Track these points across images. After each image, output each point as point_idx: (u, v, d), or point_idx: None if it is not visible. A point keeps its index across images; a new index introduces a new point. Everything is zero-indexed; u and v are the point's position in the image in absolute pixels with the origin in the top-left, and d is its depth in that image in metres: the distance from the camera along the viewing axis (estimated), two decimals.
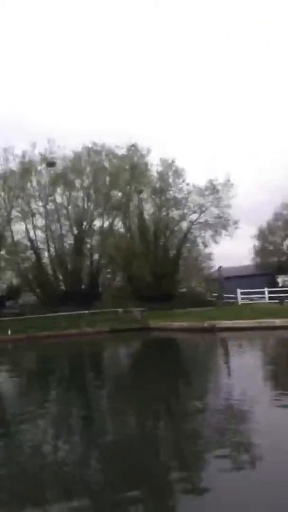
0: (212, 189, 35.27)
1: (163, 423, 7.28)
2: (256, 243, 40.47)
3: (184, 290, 35.26)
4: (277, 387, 9.24)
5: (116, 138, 60.05)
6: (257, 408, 7.14)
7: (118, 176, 34.66)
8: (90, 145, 35.38)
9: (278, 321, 21.85)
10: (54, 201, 34.15)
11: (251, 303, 29.10)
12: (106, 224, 34.94)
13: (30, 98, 65.20)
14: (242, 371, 11.49)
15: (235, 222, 34.94)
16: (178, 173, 36.04)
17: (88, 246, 34.23)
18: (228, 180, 34.86)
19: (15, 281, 33.75)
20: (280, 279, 40.71)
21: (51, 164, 34.03)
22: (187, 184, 35.65)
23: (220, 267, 31.14)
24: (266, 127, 76.88)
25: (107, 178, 34.72)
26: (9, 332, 23.78)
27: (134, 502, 4.18)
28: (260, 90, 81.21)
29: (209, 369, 12.84)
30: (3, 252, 32.40)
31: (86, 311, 27.46)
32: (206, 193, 35.57)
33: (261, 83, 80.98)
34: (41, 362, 16.96)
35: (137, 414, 7.82)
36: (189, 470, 4.92)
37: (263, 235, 40.38)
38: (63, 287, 32.99)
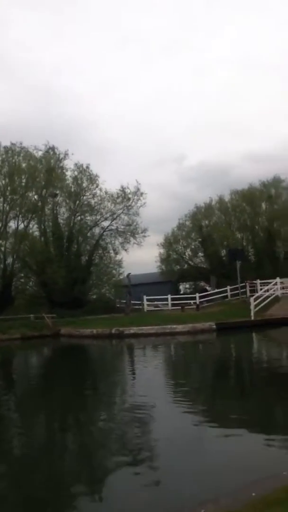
0: (123, 196, 37.10)
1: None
2: (162, 251, 42.94)
3: (94, 296, 36.67)
4: (173, 387, 11.14)
5: (33, 139, 59.84)
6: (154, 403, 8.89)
7: (34, 178, 35.03)
8: (8, 145, 35.15)
9: (179, 327, 24.43)
10: None
11: (156, 310, 31.35)
12: (21, 226, 35.04)
13: None
14: (143, 374, 13.39)
15: (144, 230, 37.13)
16: (92, 179, 37.33)
17: (2, 249, 33.97)
18: (138, 189, 37.01)
19: None
20: (181, 287, 43.95)
21: None
22: (100, 190, 37.11)
23: (129, 274, 32.81)
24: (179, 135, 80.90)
25: (24, 180, 34.85)
26: None
27: None
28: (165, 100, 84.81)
29: (114, 377, 13.90)
30: None
31: None
32: (118, 200, 37.25)
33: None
34: None
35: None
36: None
37: (168, 243, 42.96)
38: None
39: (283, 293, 28.74)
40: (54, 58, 77.94)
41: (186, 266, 42.58)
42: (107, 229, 37.33)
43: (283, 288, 28.63)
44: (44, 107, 71.63)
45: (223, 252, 40.07)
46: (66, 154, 36.99)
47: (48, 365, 18.35)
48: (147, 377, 12.84)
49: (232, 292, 32.02)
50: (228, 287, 32.21)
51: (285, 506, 4.23)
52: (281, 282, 24.81)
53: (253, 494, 4.78)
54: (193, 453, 6.46)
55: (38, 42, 78.97)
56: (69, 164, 37.32)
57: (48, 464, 6.43)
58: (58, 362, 18.87)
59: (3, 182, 34.44)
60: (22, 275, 35.88)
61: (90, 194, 37.21)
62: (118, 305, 33.64)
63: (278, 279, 27.34)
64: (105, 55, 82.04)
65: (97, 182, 36.94)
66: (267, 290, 27.88)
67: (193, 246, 43.16)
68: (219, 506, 4.64)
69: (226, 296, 32.21)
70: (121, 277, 35.23)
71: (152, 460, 6.19)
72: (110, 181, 48.19)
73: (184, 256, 43.25)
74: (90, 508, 4.93)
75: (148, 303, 31.31)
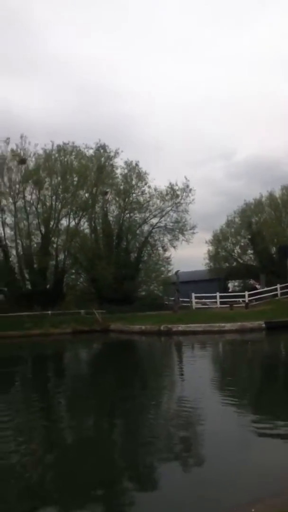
0: (172, 193, 37.25)
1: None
2: (210, 248, 42.61)
3: (143, 293, 37.09)
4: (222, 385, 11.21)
5: (84, 138, 61.29)
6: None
7: (85, 177, 35.85)
8: (60, 144, 36.24)
9: (227, 325, 24.27)
10: (23, 198, 34.65)
11: (204, 307, 31.28)
12: (72, 224, 35.98)
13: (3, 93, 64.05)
14: (192, 372, 13.55)
15: (192, 227, 37.24)
16: (141, 176, 37.78)
17: (54, 245, 34.98)
18: (187, 185, 37.03)
19: None
20: (230, 284, 43.35)
21: (22, 161, 34.52)
22: (149, 187, 37.54)
23: (177, 272, 32.91)
24: (223, 134, 79.71)
25: (75, 178, 35.77)
26: None
27: None
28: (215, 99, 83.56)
29: (163, 373, 14.25)
30: None
31: (50, 312, 28.60)
32: (167, 197, 37.53)
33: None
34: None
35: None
36: None
37: (217, 240, 42.59)
38: (29, 287, 33.54)
39: None
40: (102, 55, 79.06)
41: (235, 263, 42.02)
42: (155, 226, 37.69)
43: None
44: (94, 105, 72.86)
45: (273, 250, 39.22)
46: (116, 152, 37.61)
47: (99, 360, 18.86)
48: (196, 376, 12.96)
49: (283, 291, 31.33)
50: (278, 285, 31.53)
51: None
52: None
53: None
54: (240, 454, 6.55)
55: (80, 40, 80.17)
56: (119, 162, 37.95)
57: (97, 456, 6.62)
58: (109, 357, 19.32)
59: (56, 181, 35.58)
60: (73, 271, 36.93)
61: (139, 192, 37.74)
62: (166, 302, 33.85)
63: None
64: (153, 54, 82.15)
65: (146, 179, 37.40)
66: None
67: (242, 243, 42.53)
68: (268, 506, 4.73)
69: (276, 295, 31.53)
70: (169, 274, 35.41)
71: (199, 459, 6.36)
72: (158, 179, 48.63)
73: (233, 254, 42.72)
74: (141, 501, 5.17)
75: (196, 300, 31.29)
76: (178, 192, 37.02)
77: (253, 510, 4.67)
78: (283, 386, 11.79)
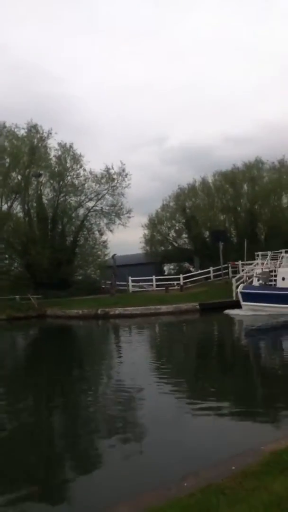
0: (108, 177, 36.88)
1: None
2: (146, 232, 43.01)
3: (80, 277, 36.81)
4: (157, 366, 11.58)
5: (16, 116, 58.67)
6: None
7: (18, 158, 34.54)
8: None
9: (163, 307, 24.93)
10: None
11: (140, 291, 31.72)
12: (5, 207, 34.61)
13: None
14: (129, 354, 13.87)
15: (128, 211, 37.06)
16: (76, 159, 36.95)
17: None
18: (123, 169, 36.87)
19: None
20: (166, 268, 44.21)
21: None
22: (84, 170, 36.76)
23: (114, 255, 32.97)
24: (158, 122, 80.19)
25: (7, 159, 34.32)
26: None
27: None
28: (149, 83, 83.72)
29: (100, 358, 14.39)
30: None
31: None
32: (103, 180, 37.03)
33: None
34: None
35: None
36: None
37: (152, 224, 43.01)
38: None
39: None
40: (34, 37, 75.64)
41: (170, 247, 42.81)
42: (91, 210, 37.21)
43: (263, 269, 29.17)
44: (27, 86, 69.71)
45: (207, 234, 40.39)
46: (49, 133, 36.36)
47: (34, 347, 18.61)
48: (133, 357, 13.24)
49: (215, 273, 32.51)
50: (211, 268, 32.68)
51: (262, 479, 4.64)
52: (262, 263, 25.26)
53: (233, 467, 5.19)
54: (175, 428, 6.89)
55: (16, 22, 76.27)
56: (52, 143, 36.85)
57: (40, 439, 6.79)
58: (45, 343, 19.14)
59: None
60: (7, 256, 35.69)
61: (74, 174, 36.92)
62: (103, 286, 33.88)
63: (259, 259, 27.59)
64: (84, 35, 79.96)
65: (81, 162, 36.65)
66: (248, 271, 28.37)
67: (177, 227, 43.36)
68: (200, 479, 5.03)
69: (209, 277, 32.71)
70: (106, 258, 35.37)
71: (135, 434, 6.61)
72: (93, 162, 47.87)
73: (168, 237, 43.45)
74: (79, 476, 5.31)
75: (133, 284, 31.61)
76: (114, 176, 36.75)
77: (185, 483, 4.95)
78: (215, 363, 12.45)
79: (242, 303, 23.21)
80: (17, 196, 35.10)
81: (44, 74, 70.97)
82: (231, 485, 4.61)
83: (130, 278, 31.55)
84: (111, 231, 36.85)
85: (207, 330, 20.03)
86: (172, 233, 43.43)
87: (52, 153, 36.99)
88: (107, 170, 36.61)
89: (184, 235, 42.99)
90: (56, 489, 5.18)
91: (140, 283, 32.70)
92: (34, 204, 36.44)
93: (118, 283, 31.52)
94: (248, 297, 23.20)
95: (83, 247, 36.96)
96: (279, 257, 25.03)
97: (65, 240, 36.43)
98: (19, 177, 35.42)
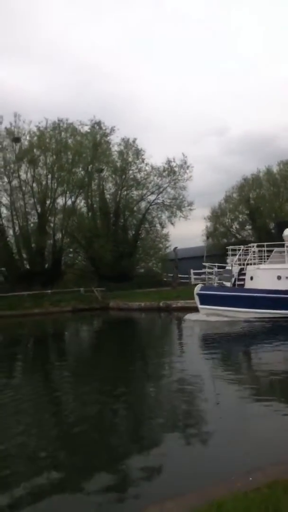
0: (170, 170, 36.93)
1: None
2: (209, 224, 42.39)
3: (142, 270, 37.09)
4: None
5: (80, 114, 60.23)
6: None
7: (80, 154, 35.29)
8: (55, 121, 35.25)
9: None
10: (18, 177, 33.93)
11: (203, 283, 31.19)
12: (69, 202, 35.54)
13: None
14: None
15: (190, 204, 37.04)
16: (138, 153, 37.32)
17: (52, 225, 34.68)
18: (185, 162, 36.67)
19: None
20: (229, 260, 43.25)
21: (16, 139, 33.77)
22: (146, 165, 37.11)
23: (175, 248, 32.83)
24: (223, 109, 78.41)
25: (70, 156, 35.11)
26: None
27: None
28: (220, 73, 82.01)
29: (163, 351, 14.37)
30: None
31: (50, 291, 28.52)
32: (164, 174, 37.21)
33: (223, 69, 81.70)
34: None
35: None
36: None
37: (215, 216, 42.36)
38: (27, 266, 33.26)
39: None
40: (91, 35, 76.91)
41: (233, 239, 41.86)
42: (153, 203, 37.48)
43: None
44: (88, 86, 71.17)
45: (272, 225, 39.02)
46: (112, 129, 36.99)
47: (99, 339, 18.93)
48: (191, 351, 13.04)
49: None
50: None
51: None
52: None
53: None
54: (241, 420, 6.62)
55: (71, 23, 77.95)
56: (115, 139, 37.42)
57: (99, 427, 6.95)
58: (109, 335, 19.38)
59: (51, 159, 34.93)
60: (71, 250, 36.79)
61: (136, 169, 37.39)
62: (165, 279, 33.88)
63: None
64: (142, 31, 79.87)
65: (143, 156, 36.95)
66: None
67: (240, 219, 42.29)
68: (267, 474, 4.77)
69: None
70: (167, 251, 35.36)
71: (200, 426, 6.42)
72: (155, 157, 47.93)
73: (231, 229, 42.53)
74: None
75: (195, 276, 31.27)
76: (176, 169, 36.78)
77: (250, 478, 4.72)
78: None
79: (199, 306, 20.24)
80: (80, 191, 35.98)
81: (104, 74, 72.05)
82: None
83: (192, 271, 31.26)
84: (172, 224, 36.93)
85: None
86: (236, 225, 42.45)
87: (115, 148, 37.68)
88: (169, 163, 36.69)
89: (248, 227, 41.90)
90: (122, 479, 5.19)
91: (203, 276, 32.24)
92: (97, 199, 37.24)
93: (180, 276, 31.36)
94: (205, 299, 20.17)
95: (144, 240, 37.22)
96: (250, 251, 21.59)
97: (127, 233, 36.93)
98: (83, 172, 36.28)
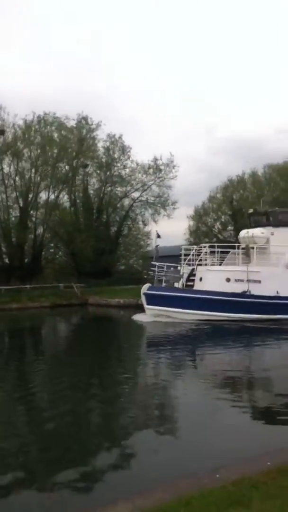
0: (155, 167, 36.91)
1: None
2: (191, 223, 42.59)
3: (122, 267, 36.99)
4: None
5: (65, 109, 59.56)
6: None
7: (66, 149, 34.99)
8: (41, 114, 34.68)
9: None
10: (1, 170, 33.48)
11: None
12: (52, 197, 35.27)
13: None
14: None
15: (174, 203, 37.14)
16: (124, 150, 37.19)
17: (33, 219, 34.40)
18: (171, 161, 36.67)
19: None
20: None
21: (0, 132, 33.38)
22: (132, 162, 37.03)
23: (157, 246, 32.66)
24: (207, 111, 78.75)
25: (55, 150, 34.80)
26: None
27: None
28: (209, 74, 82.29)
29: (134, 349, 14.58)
30: None
31: (28, 286, 28.21)
32: (149, 171, 37.17)
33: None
34: None
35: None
36: None
37: (198, 215, 42.55)
38: (6, 261, 32.91)
39: None
40: (81, 30, 76.30)
41: (214, 239, 42.16)
42: (137, 200, 37.42)
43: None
44: (76, 80, 70.46)
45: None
46: (98, 125, 36.57)
47: (75, 335, 18.79)
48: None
49: None
50: None
51: None
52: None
53: (268, 463, 4.91)
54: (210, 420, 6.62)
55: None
56: (101, 135, 37.13)
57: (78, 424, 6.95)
58: (85, 331, 19.24)
59: (35, 153, 34.54)
60: (52, 245, 36.48)
61: (121, 165, 37.30)
62: (145, 276, 33.84)
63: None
64: (129, 25, 79.64)
65: (129, 153, 36.86)
66: None
67: (223, 220, 42.62)
68: (233, 472, 4.78)
69: None
70: (149, 248, 35.35)
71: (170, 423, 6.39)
72: (141, 154, 47.88)
73: (213, 229, 42.83)
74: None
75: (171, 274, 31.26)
76: (162, 167, 36.75)
77: (217, 475, 4.71)
78: None
79: (146, 306, 19.55)
80: (64, 186, 35.73)
81: (92, 68, 71.55)
82: (265, 480, 4.39)
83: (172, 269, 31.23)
84: (155, 222, 36.91)
85: None
86: (218, 225, 42.77)
87: (100, 144, 37.45)
88: (155, 161, 36.67)
89: (230, 228, 42.23)
90: (93, 473, 5.22)
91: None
92: (81, 194, 37.06)
93: (160, 273, 31.25)
94: (152, 299, 19.47)
95: (126, 237, 37.14)
96: (202, 252, 20.66)
97: (109, 230, 36.88)
98: (67, 167, 36.01)
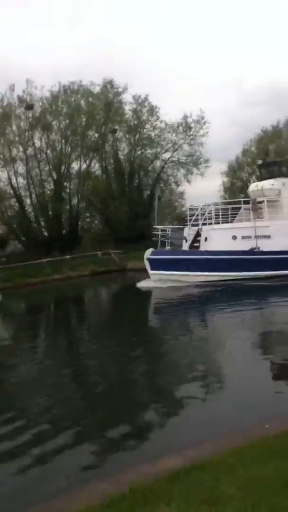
0: (185, 125, 35.93)
1: None
2: (225, 179, 41.36)
3: None
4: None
5: (91, 74, 58.22)
6: None
7: (93, 116, 34.57)
8: (67, 83, 34.13)
9: None
10: (33, 145, 33.69)
11: None
12: (84, 167, 35.22)
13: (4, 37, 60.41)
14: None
15: (206, 161, 36.32)
16: (151, 111, 36.30)
17: (67, 190, 34.58)
18: (202, 117, 35.53)
19: (0, 230, 33.86)
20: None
21: (29, 107, 33.14)
22: (161, 122, 36.13)
23: (191, 205, 32.26)
24: (237, 61, 74.60)
25: (83, 119, 34.50)
26: None
27: None
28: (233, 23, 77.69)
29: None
30: None
31: (68, 256, 28.67)
32: (179, 130, 36.30)
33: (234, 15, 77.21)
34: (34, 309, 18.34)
35: None
36: None
37: (232, 171, 41.24)
38: (46, 234, 33.50)
39: None
40: None
41: None
42: (168, 161, 36.80)
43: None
44: (99, 42, 68.19)
45: None
46: (125, 88, 35.60)
47: (115, 300, 19.07)
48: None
49: None
50: None
51: None
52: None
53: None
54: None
55: None
56: (127, 97, 36.25)
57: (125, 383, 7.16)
58: (125, 297, 19.44)
59: (64, 123, 34.41)
60: (88, 214, 36.84)
61: (150, 127, 36.57)
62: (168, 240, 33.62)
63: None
64: None
65: (157, 113, 35.94)
66: None
67: (258, 173, 41.12)
68: (284, 423, 4.68)
69: None
70: (183, 209, 34.89)
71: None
72: (171, 114, 46.23)
73: (248, 184, 41.47)
74: None
75: None
76: (192, 125, 35.70)
77: (267, 426, 4.64)
78: None
79: (150, 272, 18.88)
80: (94, 154, 35.56)
81: (113, 29, 69.04)
82: None
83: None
84: (188, 182, 36.24)
85: None
86: (253, 179, 41.30)
87: (128, 108, 36.72)
88: (185, 118, 35.66)
89: None
90: (145, 428, 5.34)
91: None
92: (111, 161, 36.75)
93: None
94: (156, 264, 18.74)
95: (160, 199, 36.73)
96: (200, 212, 19.30)
97: (142, 194, 36.55)
98: (96, 135, 35.72)
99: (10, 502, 3.86)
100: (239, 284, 17.06)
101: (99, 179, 35.74)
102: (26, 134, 33.46)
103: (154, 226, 21.60)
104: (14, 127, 33.42)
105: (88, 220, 37.39)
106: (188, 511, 2.92)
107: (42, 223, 34.14)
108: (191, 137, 35.92)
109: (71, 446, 4.96)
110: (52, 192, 33.93)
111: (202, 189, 37.80)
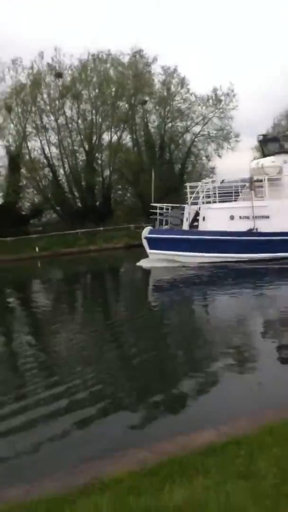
0: (215, 98, 35.80)
1: None
2: (256, 154, 41.02)
3: None
4: None
5: (120, 43, 57.04)
6: None
7: (123, 86, 34.72)
8: (95, 52, 34.28)
9: None
10: (64, 114, 34.23)
11: None
12: (114, 138, 35.66)
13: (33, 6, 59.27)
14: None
15: (237, 135, 36.21)
16: (182, 82, 36.14)
17: (99, 161, 35.16)
18: (232, 90, 35.35)
19: (36, 199, 34.90)
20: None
21: (59, 75, 33.63)
22: (191, 94, 36.05)
23: (223, 181, 32.56)
24: (270, 36, 71.43)
25: (113, 88, 34.74)
26: (37, 249, 26.54)
27: None
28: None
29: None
30: (23, 170, 33.03)
31: (102, 228, 29.71)
32: (209, 103, 36.14)
33: None
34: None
35: None
36: None
37: None
38: (79, 205, 34.32)
39: None
40: None
41: None
42: (198, 135, 36.79)
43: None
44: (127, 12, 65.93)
45: None
46: (155, 59, 35.45)
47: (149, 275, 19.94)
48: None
49: None
50: None
51: None
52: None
53: None
54: None
55: None
56: (157, 69, 36.16)
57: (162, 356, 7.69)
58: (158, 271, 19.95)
59: (93, 93, 34.71)
60: (120, 187, 37.37)
61: (180, 99, 36.39)
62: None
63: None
64: None
65: (188, 86, 35.82)
66: None
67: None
68: None
69: None
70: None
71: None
72: (201, 87, 45.34)
73: None
74: None
75: None
76: (222, 97, 35.51)
77: None
78: None
79: (148, 251, 18.62)
80: (125, 126, 35.84)
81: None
82: None
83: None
84: (219, 156, 36.39)
85: None
86: None
87: (157, 79, 36.59)
88: (215, 91, 35.43)
89: None
90: (178, 401, 5.69)
91: None
92: (142, 133, 36.99)
93: None
94: (154, 243, 18.32)
95: (190, 174, 37.13)
96: (205, 188, 18.47)
97: (173, 167, 36.83)
98: (126, 106, 35.91)
99: (53, 461, 4.15)
100: (235, 266, 16.60)
101: (130, 151, 36.23)
102: (57, 102, 34.02)
103: (151, 204, 20.64)
104: (45, 95, 33.96)
105: (120, 192, 37.97)
106: (225, 484, 3.02)
107: (76, 194, 34.87)
108: (221, 110, 35.75)
109: (111, 413, 5.31)
110: (85, 162, 34.50)
111: (233, 165, 37.76)
